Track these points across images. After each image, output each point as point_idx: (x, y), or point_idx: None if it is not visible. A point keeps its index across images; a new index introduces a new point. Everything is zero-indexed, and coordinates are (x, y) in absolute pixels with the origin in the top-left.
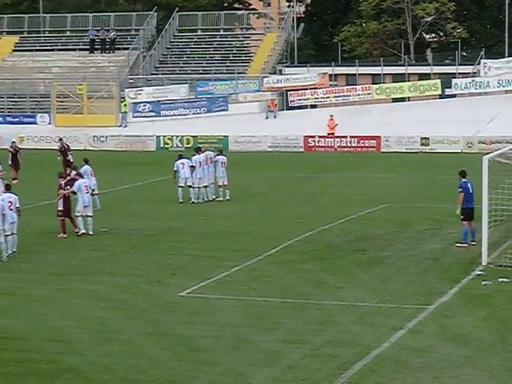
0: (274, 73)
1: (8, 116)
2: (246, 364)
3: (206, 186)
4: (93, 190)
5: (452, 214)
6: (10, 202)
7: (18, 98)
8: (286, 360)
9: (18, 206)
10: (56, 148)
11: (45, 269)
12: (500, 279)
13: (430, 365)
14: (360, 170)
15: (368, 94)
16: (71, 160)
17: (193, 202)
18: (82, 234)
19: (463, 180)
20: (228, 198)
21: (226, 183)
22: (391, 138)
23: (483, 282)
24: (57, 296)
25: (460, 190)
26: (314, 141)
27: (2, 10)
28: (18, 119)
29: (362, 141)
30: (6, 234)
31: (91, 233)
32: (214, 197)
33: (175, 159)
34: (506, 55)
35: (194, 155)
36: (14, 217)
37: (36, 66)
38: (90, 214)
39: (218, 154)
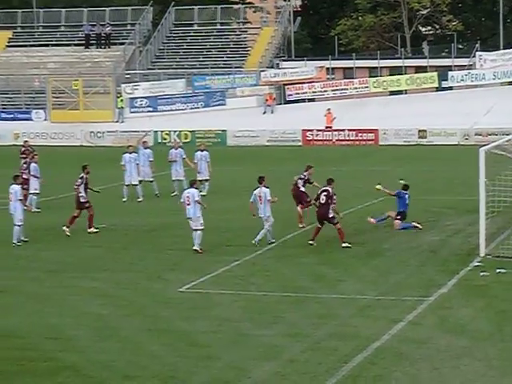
0: (272, 67)
1: (3, 112)
2: (246, 358)
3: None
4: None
5: (450, 206)
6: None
7: (13, 94)
8: (286, 354)
9: (20, 198)
10: (51, 144)
11: (42, 266)
12: (498, 270)
13: (429, 356)
14: (358, 163)
15: (365, 87)
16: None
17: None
18: None
19: (404, 191)
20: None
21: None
22: (389, 131)
23: (481, 273)
24: (55, 293)
25: (395, 195)
26: (312, 134)
27: None
28: (12, 115)
29: (359, 134)
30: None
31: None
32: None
33: None
34: (501, 48)
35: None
36: (16, 207)
37: (30, 61)
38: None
39: (202, 150)
